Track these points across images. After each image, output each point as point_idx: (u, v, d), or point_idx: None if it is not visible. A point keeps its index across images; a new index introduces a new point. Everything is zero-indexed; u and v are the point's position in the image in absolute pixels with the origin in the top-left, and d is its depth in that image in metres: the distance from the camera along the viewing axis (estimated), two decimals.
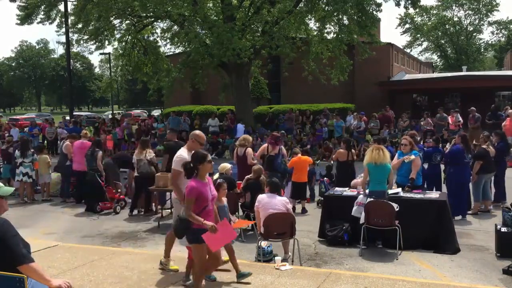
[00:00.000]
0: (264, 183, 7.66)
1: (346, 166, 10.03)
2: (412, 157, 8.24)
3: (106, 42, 21.04)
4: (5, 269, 3.41)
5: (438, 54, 74.22)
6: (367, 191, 7.33)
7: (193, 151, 5.46)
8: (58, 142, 19.35)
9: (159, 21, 21.04)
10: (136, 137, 20.12)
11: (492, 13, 66.40)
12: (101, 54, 49.68)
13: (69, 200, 11.48)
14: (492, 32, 79.35)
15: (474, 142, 13.28)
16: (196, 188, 4.91)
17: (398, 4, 19.55)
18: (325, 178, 11.11)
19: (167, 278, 5.96)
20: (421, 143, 12.16)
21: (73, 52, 54.56)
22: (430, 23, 67.98)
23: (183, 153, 5.89)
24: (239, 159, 9.81)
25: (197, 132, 6.16)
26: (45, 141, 21.44)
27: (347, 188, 8.42)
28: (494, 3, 64.89)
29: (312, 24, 21.72)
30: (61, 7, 21.69)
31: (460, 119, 19.17)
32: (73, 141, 11.90)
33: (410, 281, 5.76)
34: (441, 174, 9.84)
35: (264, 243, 6.80)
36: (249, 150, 9.78)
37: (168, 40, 20.85)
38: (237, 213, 8.24)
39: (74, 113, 29.72)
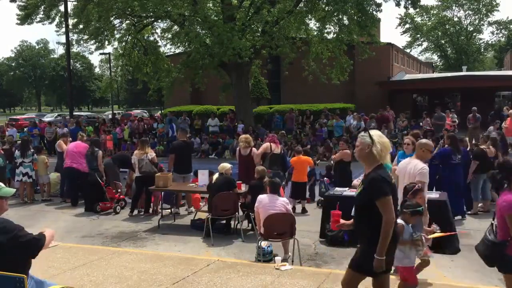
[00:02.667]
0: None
1: (347, 166, 10.06)
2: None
3: (106, 42, 21.02)
4: (28, 261, 3.65)
5: (438, 54, 74.25)
6: None
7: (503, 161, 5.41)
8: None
9: (159, 21, 21.04)
10: (138, 136, 20.22)
11: (492, 13, 66.49)
12: (101, 54, 49.62)
13: (69, 201, 11.48)
14: (492, 32, 79.44)
15: (473, 141, 13.24)
16: None
17: (398, 4, 19.56)
18: (325, 178, 11.10)
19: (168, 278, 5.95)
20: None
21: (73, 52, 54.54)
22: (430, 23, 67.97)
23: (423, 164, 5.95)
24: (243, 159, 9.71)
25: (425, 140, 6.44)
26: (42, 142, 21.43)
27: (347, 188, 8.42)
28: (494, 3, 64.91)
29: (312, 24, 21.75)
30: (61, 7, 21.72)
31: (456, 119, 19.15)
32: (65, 140, 12.11)
33: None
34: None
35: (264, 243, 6.80)
36: (255, 150, 9.76)
37: (168, 40, 20.88)
38: (237, 213, 8.23)
39: (74, 113, 29.70)
